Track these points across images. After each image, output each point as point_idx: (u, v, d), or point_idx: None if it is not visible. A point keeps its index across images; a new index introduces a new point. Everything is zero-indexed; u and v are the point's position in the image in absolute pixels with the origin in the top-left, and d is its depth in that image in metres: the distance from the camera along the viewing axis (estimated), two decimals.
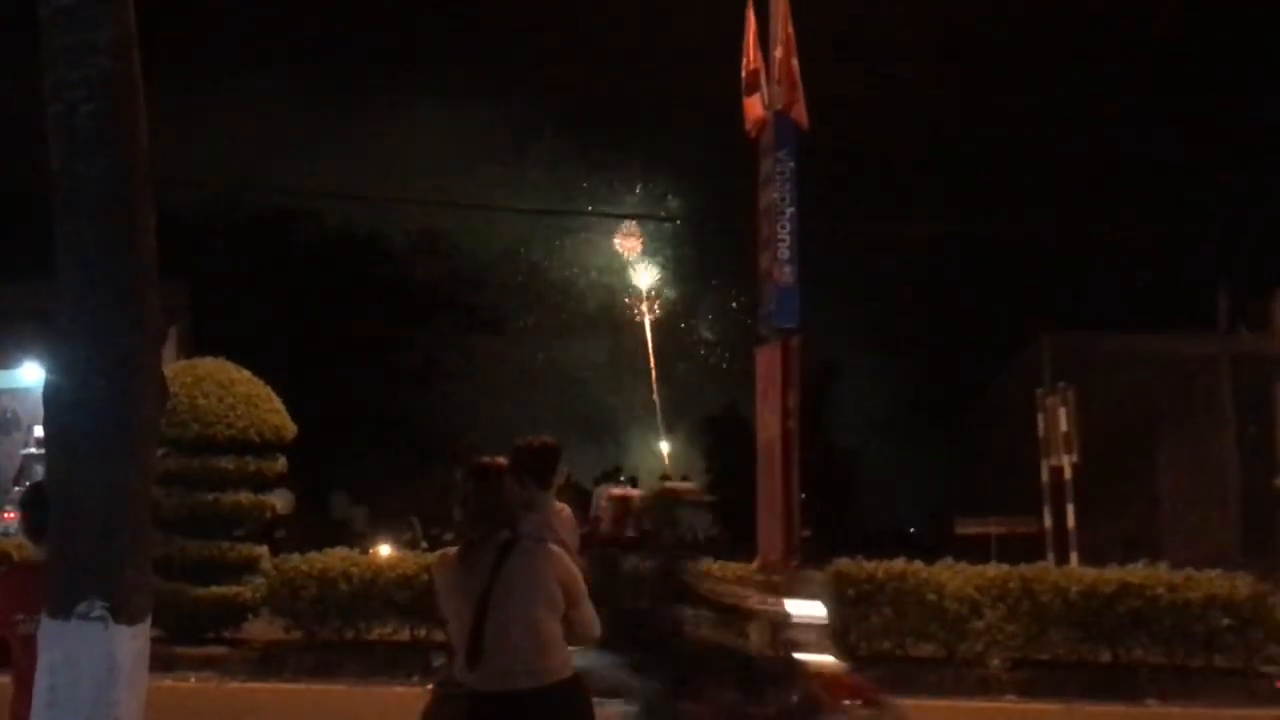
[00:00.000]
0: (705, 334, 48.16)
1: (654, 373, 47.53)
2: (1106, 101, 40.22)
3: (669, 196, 48.00)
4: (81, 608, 4.39)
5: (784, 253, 14.86)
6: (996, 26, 41.45)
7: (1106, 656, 13.61)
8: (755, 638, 8.65)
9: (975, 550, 19.78)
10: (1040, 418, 20.40)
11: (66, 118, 4.58)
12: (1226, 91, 38.35)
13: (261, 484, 15.40)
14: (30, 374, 24.62)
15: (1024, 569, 14.04)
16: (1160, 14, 41.53)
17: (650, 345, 47.70)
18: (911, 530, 42.35)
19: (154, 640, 4.72)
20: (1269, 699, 13.05)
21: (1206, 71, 40.17)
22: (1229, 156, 40.27)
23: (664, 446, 47.52)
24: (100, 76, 4.59)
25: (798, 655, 8.31)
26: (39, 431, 22.36)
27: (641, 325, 47.53)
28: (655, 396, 48.18)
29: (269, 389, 15.48)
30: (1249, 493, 26.68)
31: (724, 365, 43.80)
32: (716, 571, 13.79)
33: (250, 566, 15.06)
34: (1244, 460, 27.61)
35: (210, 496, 14.87)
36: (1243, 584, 13.55)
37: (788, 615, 8.53)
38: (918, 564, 14.03)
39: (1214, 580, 13.58)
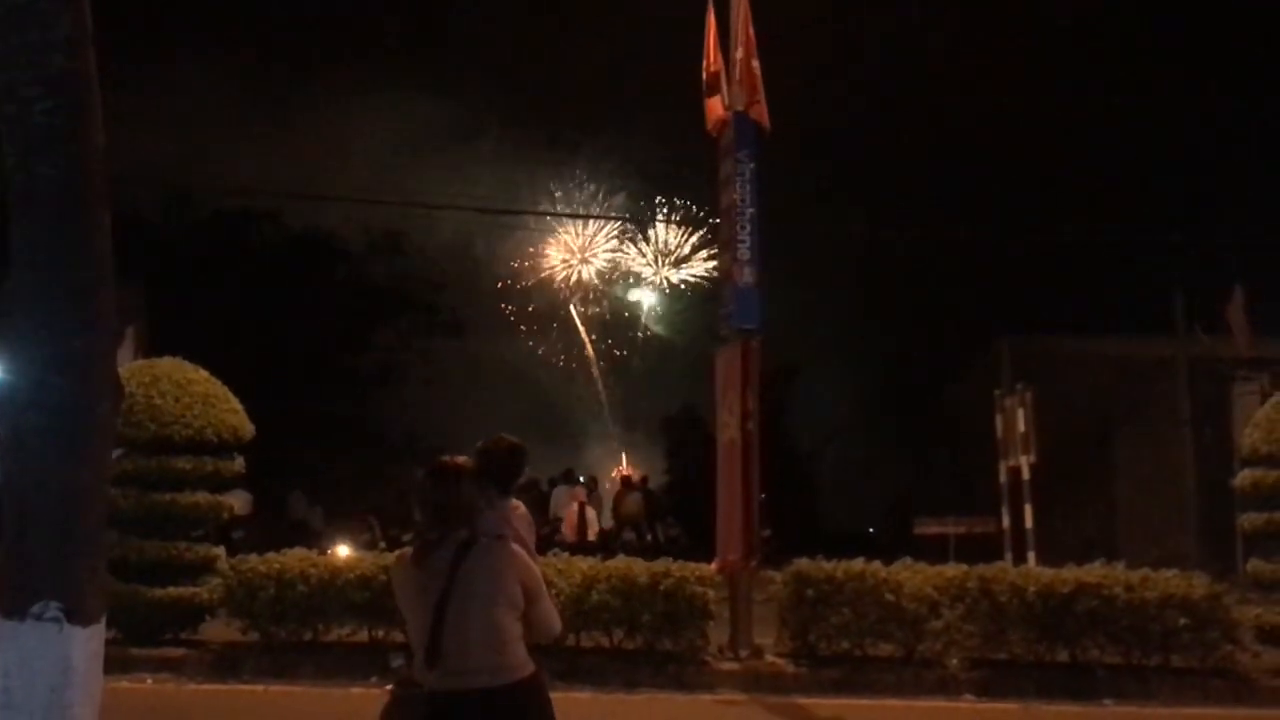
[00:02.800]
0: (663, 333, 48.09)
1: (598, 376, 47.59)
2: (1065, 105, 40.45)
3: (629, 194, 47.86)
4: (36, 609, 4.36)
5: (744, 253, 14.87)
6: (958, 30, 41.64)
7: (1064, 656, 13.67)
8: None
9: (934, 550, 19.89)
10: (998, 419, 20.52)
11: (21, 116, 4.56)
12: (1184, 96, 38.64)
13: (219, 484, 15.31)
14: None
15: (982, 569, 14.09)
16: (1116, 20, 41.80)
17: (606, 345, 47.75)
18: (870, 530, 42.43)
19: (110, 642, 4.69)
20: (1225, 698, 13.15)
21: (1163, 76, 40.41)
22: (1186, 160, 40.56)
23: (621, 447, 47.59)
24: (55, 75, 4.57)
25: None
26: None
27: (597, 324, 47.57)
28: (603, 399, 48.25)
29: (226, 389, 15.37)
30: (1205, 493, 26.86)
31: (682, 365, 43.80)
32: (676, 571, 13.88)
33: (207, 567, 14.98)
34: (1200, 461, 27.80)
35: (167, 497, 14.77)
36: (1199, 584, 13.63)
37: None
38: (876, 564, 14.04)
39: (1171, 580, 13.65)
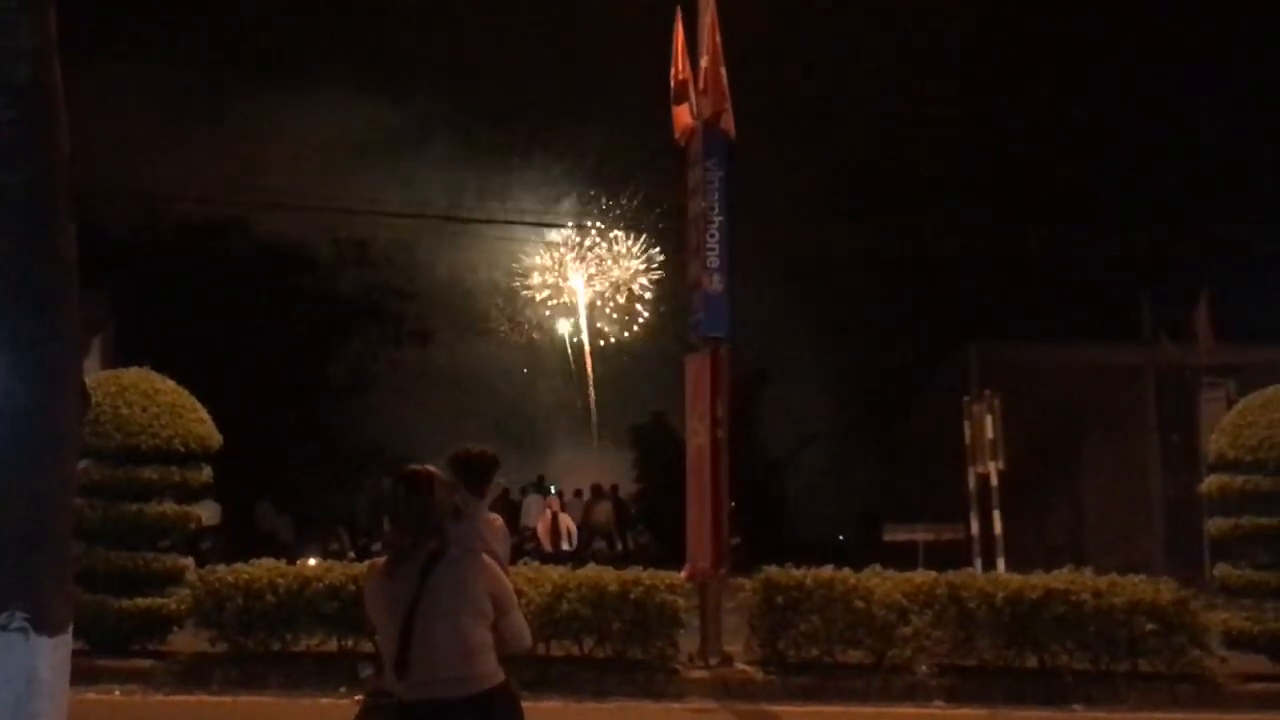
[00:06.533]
0: (633, 342, 47.98)
1: (589, 384, 47.58)
2: (1032, 112, 40.57)
3: (598, 203, 47.67)
4: (1, 619, 4.34)
5: (713, 261, 14.90)
6: (923, 36, 41.76)
7: (1032, 662, 13.71)
8: None
9: (903, 557, 19.92)
10: (967, 425, 20.57)
11: None
12: (1150, 103, 38.83)
13: (186, 494, 15.25)
14: None
15: (951, 575, 14.14)
16: (1082, 27, 41.98)
17: (579, 354, 47.71)
18: (840, 537, 42.44)
19: (77, 653, 4.67)
20: (1192, 703, 13.21)
21: (1131, 82, 40.62)
22: (1152, 166, 40.72)
23: (591, 456, 47.58)
24: (21, 83, 4.55)
25: None
26: None
27: (569, 335, 47.53)
28: (589, 405, 48.23)
29: (194, 399, 15.33)
30: (1172, 499, 27.01)
31: (652, 373, 43.71)
32: (646, 579, 13.88)
33: (175, 578, 14.93)
34: (1167, 467, 27.95)
35: (134, 507, 14.72)
36: (1166, 589, 13.70)
37: None
38: (846, 571, 14.09)
39: (1138, 586, 13.72)
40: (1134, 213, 39.42)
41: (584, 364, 47.64)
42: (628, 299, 45.60)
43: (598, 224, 45.95)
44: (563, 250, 46.02)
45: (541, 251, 46.05)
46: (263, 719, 12.72)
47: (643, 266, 45.43)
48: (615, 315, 46.26)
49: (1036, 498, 26.03)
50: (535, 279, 46.00)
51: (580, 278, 46.03)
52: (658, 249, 44.54)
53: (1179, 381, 27.97)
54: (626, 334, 46.48)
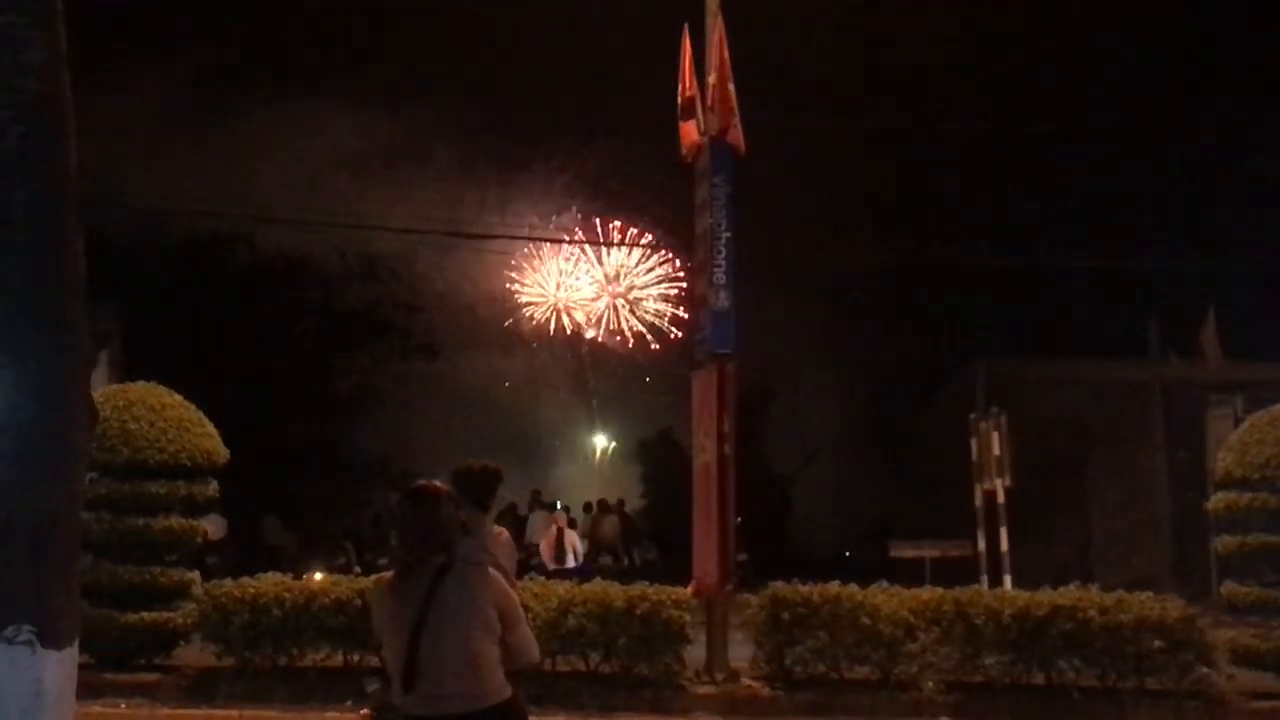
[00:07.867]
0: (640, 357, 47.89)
1: (595, 399, 47.56)
2: (1040, 130, 40.56)
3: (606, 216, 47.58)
4: (8, 632, 4.34)
5: (719, 277, 14.89)
6: (931, 56, 41.76)
7: (1039, 679, 13.67)
8: None
9: (910, 573, 19.89)
10: (974, 442, 20.54)
11: None
12: (1160, 122, 38.82)
13: (193, 509, 15.24)
14: None
15: (958, 592, 14.11)
16: (1093, 45, 42.04)
17: (588, 369, 47.66)
18: (847, 554, 42.39)
19: (83, 667, 4.67)
20: None
21: (1139, 101, 40.63)
22: (1160, 186, 40.75)
23: (596, 470, 47.58)
24: (30, 99, 4.56)
25: None
26: None
27: (578, 350, 47.43)
28: (595, 420, 48.20)
29: (201, 413, 15.33)
30: (1180, 516, 26.94)
31: (659, 388, 43.63)
32: (652, 595, 13.86)
33: (181, 592, 14.91)
34: (1174, 484, 27.87)
35: (141, 521, 14.71)
36: (1173, 606, 13.66)
37: None
38: (853, 587, 14.05)
39: (1145, 603, 13.68)
40: (1142, 230, 39.45)
41: (590, 379, 47.61)
42: (635, 314, 45.49)
43: (605, 239, 45.83)
44: (569, 264, 45.91)
45: (549, 265, 45.94)
46: None
47: (651, 281, 45.32)
48: (623, 331, 46.18)
49: (1043, 515, 25.96)
50: (543, 293, 45.85)
51: (589, 292, 45.89)
52: (666, 264, 44.35)
53: (1186, 398, 27.94)
54: (632, 346, 46.38)
